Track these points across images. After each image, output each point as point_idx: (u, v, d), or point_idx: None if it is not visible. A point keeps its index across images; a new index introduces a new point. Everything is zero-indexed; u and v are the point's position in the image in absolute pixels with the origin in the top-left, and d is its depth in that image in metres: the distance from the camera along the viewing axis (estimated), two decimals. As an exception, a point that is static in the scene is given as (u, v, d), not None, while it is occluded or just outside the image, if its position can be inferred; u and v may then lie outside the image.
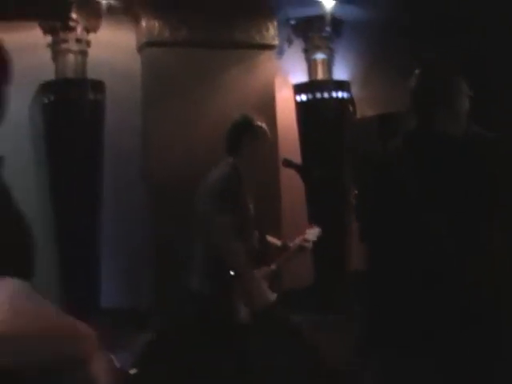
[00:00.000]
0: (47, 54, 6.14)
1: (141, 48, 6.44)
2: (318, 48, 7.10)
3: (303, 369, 4.12)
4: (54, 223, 5.84)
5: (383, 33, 6.93)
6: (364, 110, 6.97)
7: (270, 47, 6.80)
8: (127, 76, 6.26)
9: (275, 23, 6.77)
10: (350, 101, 7.02)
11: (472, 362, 2.59)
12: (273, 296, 3.79)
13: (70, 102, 5.95)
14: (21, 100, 5.51)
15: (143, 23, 6.34)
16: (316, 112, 6.94)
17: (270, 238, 4.04)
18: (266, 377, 3.78)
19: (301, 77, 7.12)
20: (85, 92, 5.97)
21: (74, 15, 6.02)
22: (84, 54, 6.16)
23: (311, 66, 7.15)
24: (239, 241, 3.56)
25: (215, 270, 3.61)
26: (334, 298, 6.03)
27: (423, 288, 2.67)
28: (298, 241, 4.00)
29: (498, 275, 2.67)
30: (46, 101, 5.88)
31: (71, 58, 6.10)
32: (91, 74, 6.12)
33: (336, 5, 6.68)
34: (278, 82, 6.89)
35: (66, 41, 6.06)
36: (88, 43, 6.18)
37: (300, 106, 7.01)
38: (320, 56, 7.12)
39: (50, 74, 6.05)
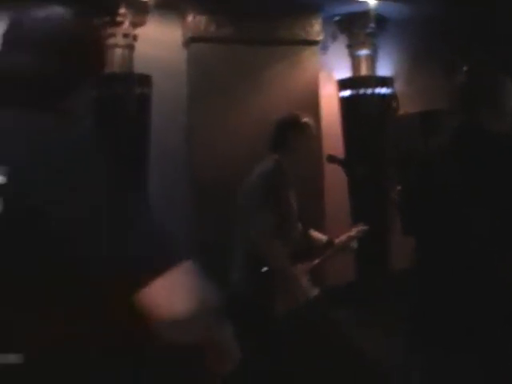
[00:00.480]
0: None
1: (186, 43, 6.51)
2: (361, 44, 7.14)
3: (343, 365, 4.12)
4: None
5: (427, 29, 6.93)
6: (407, 107, 6.97)
7: (314, 43, 6.85)
8: (173, 71, 6.34)
9: (320, 19, 6.81)
10: (393, 97, 7.04)
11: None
12: (313, 291, 3.81)
13: (117, 97, 6.04)
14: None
15: (189, 18, 6.42)
16: (359, 108, 6.97)
17: (316, 234, 4.06)
18: (304, 373, 3.80)
19: (344, 73, 7.16)
20: (131, 86, 6.07)
21: (121, 10, 6.13)
22: (131, 48, 6.26)
23: (355, 62, 7.19)
24: (281, 236, 3.60)
25: (255, 266, 3.65)
26: (376, 294, 6.05)
27: (465, 284, 2.69)
28: (343, 238, 4.01)
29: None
30: (94, 95, 5.97)
31: (118, 52, 6.17)
32: (137, 69, 6.22)
33: (380, 1, 6.70)
34: (321, 78, 6.93)
35: (113, 35, 6.15)
36: (135, 38, 6.28)
37: (343, 101, 7.05)
38: (364, 52, 7.15)
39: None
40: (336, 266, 4.85)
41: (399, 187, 3.99)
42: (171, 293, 1.42)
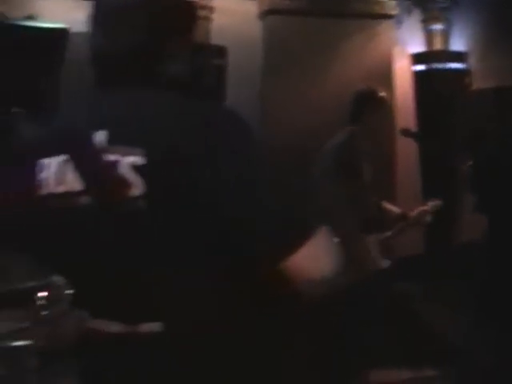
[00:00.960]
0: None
1: (262, 16, 6.57)
2: (436, 19, 7.09)
3: (410, 339, 4.17)
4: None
5: (502, 4, 6.83)
6: (479, 83, 6.92)
7: (388, 17, 6.84)
8: (248, 43, 6.41)
9: (394, -7, 6.80)
10: (467, 72, 6.99)
11: None
12: (383, 263, 3.88)
13: (195, 68, 6.13)
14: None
15: (265, -10, 6.48)
16: (432, 82, 6.95)
17: (389, 206, 4.12)
18: (370, 345, 3.87)
19: (418, 47, 7.13)
20: (209, 57, 6.17)
21: (198, -19, 6.24)
22: (208, 19, 6.37)
23: (429, 37, 7.15)
24: (353, 208, 3.68)
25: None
26: (444, 270, 6.08)
27: None
28: (418, 212, 4.06)
29: None
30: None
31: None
32: (214, 40, 6.32)
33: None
34: (395, 52, 6.93)
35: (191, 7, 6.24)
36: (212, 10, 6.38)
37: (417, 76, 7.03)
38: (438, 27, 7.11)
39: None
40: (405, 240, 4.91)
41: (470, 163, 4.01)
42: (316, 257, 1.52)
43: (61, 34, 4.29)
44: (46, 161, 1.52)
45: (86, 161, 1.49)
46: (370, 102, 3.81)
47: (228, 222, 1.45)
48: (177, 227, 1.45)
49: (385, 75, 6.46)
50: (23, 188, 1.54)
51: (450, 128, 6.72)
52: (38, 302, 3.06)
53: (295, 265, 1.47)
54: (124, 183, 1.44)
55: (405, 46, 7.10)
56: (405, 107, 6.69)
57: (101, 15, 1.59)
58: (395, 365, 3.99)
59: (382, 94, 3.84)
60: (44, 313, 3.04)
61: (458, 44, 7.18)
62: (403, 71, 6.97)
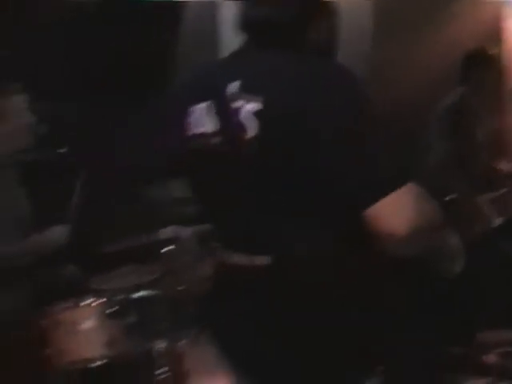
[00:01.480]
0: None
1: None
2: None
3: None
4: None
5: None
6: None
7: (499, -24, 6.69)
8: (359, 2, 6.39)
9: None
10: None
11: None
12: (495, 222, 3.88)
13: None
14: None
15: None
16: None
17: (502, 165, 4.11)
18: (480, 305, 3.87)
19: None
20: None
21: None
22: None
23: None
24: (465, 166, 3.71)
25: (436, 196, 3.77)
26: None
27: None
28: None
29: None
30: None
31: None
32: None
33: None
34: (505, 12, 6.77)
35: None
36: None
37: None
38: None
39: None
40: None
41: None
42: (398, 210, 1.56)
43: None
44: (191, 108, 1.76)
45: (219, 106, 1.70)
46: (481, 62, 3.82)
47: (335, 170, 1.57)
48: (286, 171, 1.61)
49: (494, 35, 6.34)
50: (177, 132, 1.81)
51: None
52: (166, 255, 3.29)
53: (378, 214, 1.56)
54: (243, 127, 1.63)
55: (513, 6, 6.93)
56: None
57: None
58: (505, 325, 4.00)
59: (492, 53, 3.83)
60: (172, 265, 3.27)
61: None
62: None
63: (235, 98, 1.66)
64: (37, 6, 4.02)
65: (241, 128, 1.64)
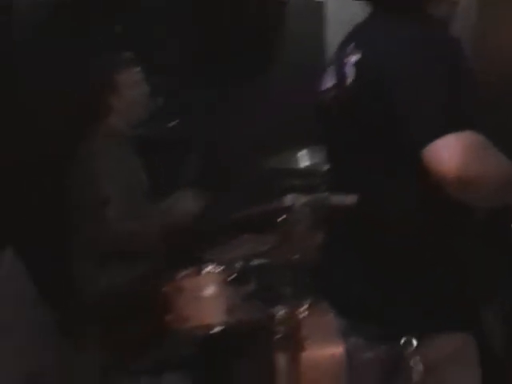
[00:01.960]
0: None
1: None
2: None
3: None
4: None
5: None
6: None
7: None
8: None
9: None
10: None
11: None
12: None
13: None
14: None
15: None
16: None
17: None
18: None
19: None
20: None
21: None
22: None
23: None
24: None
25: None
26: None
27: None
28: None
29: None
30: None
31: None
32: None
33: None
34: None
35: None
36: None
37: None
38: None
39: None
40: None
41: None
42: (449, 153, 1.60)
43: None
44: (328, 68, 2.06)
45: (336, 64, 2.00)
46: None
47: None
48: (371, 117, 1.80)
49: None
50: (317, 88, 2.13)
51: None
52: (283, 224, 3.30)
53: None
54: (346, 75, 1.90)
55: None
56: None
57: None
58: None
59: None
60: (288, 233, 3.27)
61: None
62: None
63: (348, 54, 1.91)
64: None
65: (344, 76, 1.89)
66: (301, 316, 3.12)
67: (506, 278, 2.89)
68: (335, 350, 2.83)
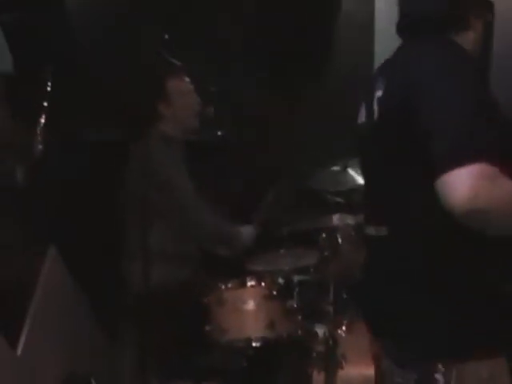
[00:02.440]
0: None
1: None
2: None
3: None
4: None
5: None
6: None
7: None
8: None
9: None
10: None
11: None
12: None
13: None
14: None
15: None
16: None
17: None
18: None
19: None
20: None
21: None
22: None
23: None
24: None
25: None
26: None
27: None
28: None
29: None
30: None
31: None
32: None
33: None
34: None
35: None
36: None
37: None
38: None
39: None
40: None
41: None
42: (459, 185, 1.61)
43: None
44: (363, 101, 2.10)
45: (366, 100, 2.04)
46: None
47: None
48: (394, 142, 1.84)
49: None
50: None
51: None
52: (322, 243, 3.31)
53: None
54: (374, 112, 1.95)
55: None
56: None
57: None
58: None
59: None
60: (332, 250, 3.28)
61: None
62: None
63: (376, 89, 1.94)
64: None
65: (372, 112, 1.94)
66: (339, 335, 3.13)
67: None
68: (368, 371, 2.84)
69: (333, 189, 3.60)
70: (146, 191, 3.11)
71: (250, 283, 3.20)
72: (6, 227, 3.10)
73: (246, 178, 3.89)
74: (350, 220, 3.31)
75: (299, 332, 3.19)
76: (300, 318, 3.21)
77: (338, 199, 3.59)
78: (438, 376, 1.80)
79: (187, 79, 3.69)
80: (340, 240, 3.29)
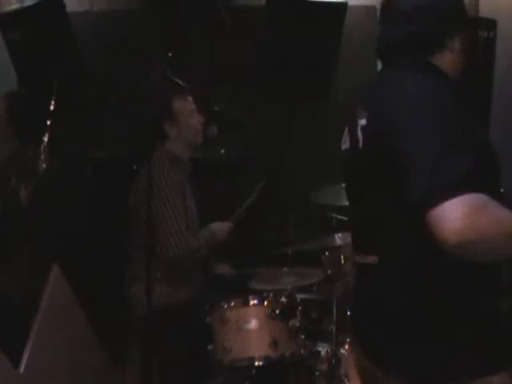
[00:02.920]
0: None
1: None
2: None
3: None
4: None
5: None
6: None
7: None
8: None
9: None
10: None
11: None
12: None
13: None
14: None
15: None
16: None
17: None
18: None
19: None
20: (477, 30, 5.66)
21: None
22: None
23: None
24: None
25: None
26: None
27: None
28: None
29: None
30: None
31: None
32: (483, 13, 5.75)
33: None
34: None
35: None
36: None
37: None
38: None
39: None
40: None
41: None
42: (450, 218, 1.61)
43: (341, 9, 4.33)
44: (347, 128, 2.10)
45: (350, 127, 2.03)
46: None
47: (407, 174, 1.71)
48: (382, 177, 1.83)
49: None
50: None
51: None
52: (324, 262, 3.32)
53: None
54: (358, 140, 1.94)
55: None
56: None
57: (390, 14, 2.03)
58: None
59: None
60: (333, 269, 3.29)
61: None
62: None
63: (358, 117, 1.96)
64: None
65: (356, 140, 1.95)
66: (342, 353, 3.13)
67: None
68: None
69: (334, 203, 3.61)
70: (150, 211, 3.13)
71: (252, 302, 3.20)
72: (10, 245, 3.11)
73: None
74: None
75: (302, 351, 3.19)
76: (303, 336, 3.21)
77: (341, 217, 3.60)
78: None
79: (190, 99, 3.72)
80: (343, 259, 3.30)
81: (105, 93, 4.15)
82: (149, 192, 3.16)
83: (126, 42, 4.22)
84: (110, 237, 3.89)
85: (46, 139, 3.57)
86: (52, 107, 3.68)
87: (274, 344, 3.12)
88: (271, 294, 3.25)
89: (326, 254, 3.35)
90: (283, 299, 3.23)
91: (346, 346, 3.19)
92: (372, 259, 1.91)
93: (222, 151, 4.15)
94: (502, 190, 1.90)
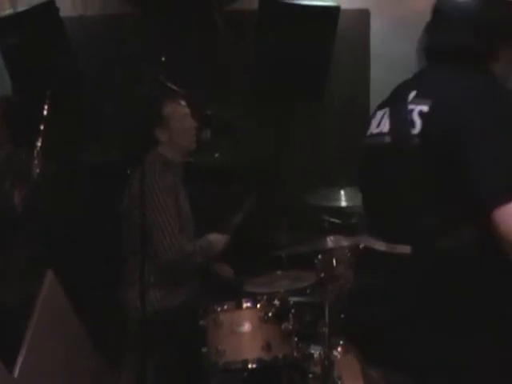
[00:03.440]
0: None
1: None
2: None
3: None
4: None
5: None
6: None
7: None
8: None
9: None
10: None
11: None
12: None
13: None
14: None
15: None
16: None
17: None
18: None
19: None
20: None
21: None
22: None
23: None
24: None
25: None
26: None
27: None
28: None
29: None
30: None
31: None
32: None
33: None
34: None
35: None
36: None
37: None
38: None
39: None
40: None
41: None
42: None
43: (333, 12, 4.35)
44: (378, 112, 2.16)
45: (397, 110, 2.04)
46: None
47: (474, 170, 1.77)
48: (437, 165, 1.85)
49: None
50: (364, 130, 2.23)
51: None
52: (317, 265, 3.32)
53: None
54: (413, 124, 1.94)
55: None
56: None
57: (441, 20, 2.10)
58: None
59: None
60: (327, 272, 3.29)
61: None
62: None
63: (411, 102, 1.98)
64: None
65: (407, 124, 1.94)
66: (335, 356, 3.13)
67: None
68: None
69: (327, 204, 3.63)
70: (143, 215, 3.14)
71: (245, 305, 3.21)
72: (4, 251, 3.12)
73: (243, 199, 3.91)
74: (345, 241, 3.32)
75: (295, 353, 3.19)
76: (296, 339, 3.22)
77: (333, 219, 3.62)
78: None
79: (183, 103, 3.73)
80: (335, 262, 3.31)
81: (98, 97, 4.17)
82: (141, 196, 3.17)
83: (119, 47, 4.24)
84: (105, 241, 3.90)
85: (39, 144, 3.58)
86: (45, 112, 3.70)
87: (268, 346, 3.13)
88: (264, 297, 3.26)
89: (319, 256, 3.37)
90: (276, 302, 3.23)
91: (339, 349, 3.20)
92: (405, 249, 1.90)
93: (216, 155, 4.17)
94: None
